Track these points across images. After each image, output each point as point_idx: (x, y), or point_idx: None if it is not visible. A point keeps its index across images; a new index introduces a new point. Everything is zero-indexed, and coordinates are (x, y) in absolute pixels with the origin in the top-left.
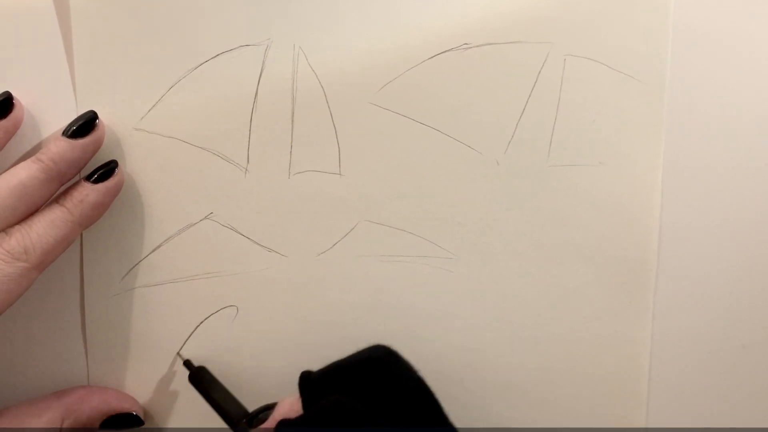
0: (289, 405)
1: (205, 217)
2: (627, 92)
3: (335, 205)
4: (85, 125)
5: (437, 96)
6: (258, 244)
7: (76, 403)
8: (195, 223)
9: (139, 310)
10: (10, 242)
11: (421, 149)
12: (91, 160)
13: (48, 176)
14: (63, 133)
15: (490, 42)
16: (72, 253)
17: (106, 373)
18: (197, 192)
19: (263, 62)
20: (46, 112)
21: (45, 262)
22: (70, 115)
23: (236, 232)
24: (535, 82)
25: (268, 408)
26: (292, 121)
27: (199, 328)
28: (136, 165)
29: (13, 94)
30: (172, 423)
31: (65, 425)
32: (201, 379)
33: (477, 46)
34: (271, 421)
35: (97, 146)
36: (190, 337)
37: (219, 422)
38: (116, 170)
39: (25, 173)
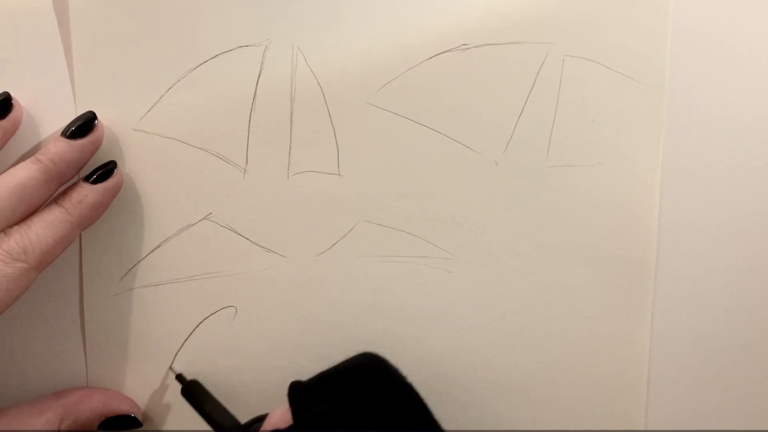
0: (280, 415)
1: (204, 218)
2: (626, 92)
3: (334, 206)
4: (84, 126)
5: (436, 96)
6: (257, 244)
7: (75, 403)
8: (194, 224)
9: (138, 311)
10: (9, 243)
11: (420, 149)
12: (90, 161)
13: (47, 177)
14: (62, 134)
15: (489, 42)
16: (71, 253)
17: (105, 373)
18: (196, 192)
19: (262, 63)
20: (45, 113)
21: (44, 262)
22: (69, 115)
23: (235, 232)
24: (534, 83)
25: (260, 419)
26: (291, 121)
27: (198, 328)
28: (135, 165)
29: (12, 94)
30: (171, 423)
31: (63, 426)
32: (193, 392)
33: (476, 47)
34: None
35: (96, 147)
36: (188, 338)
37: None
38: (115, 171)
39: (24, 173)
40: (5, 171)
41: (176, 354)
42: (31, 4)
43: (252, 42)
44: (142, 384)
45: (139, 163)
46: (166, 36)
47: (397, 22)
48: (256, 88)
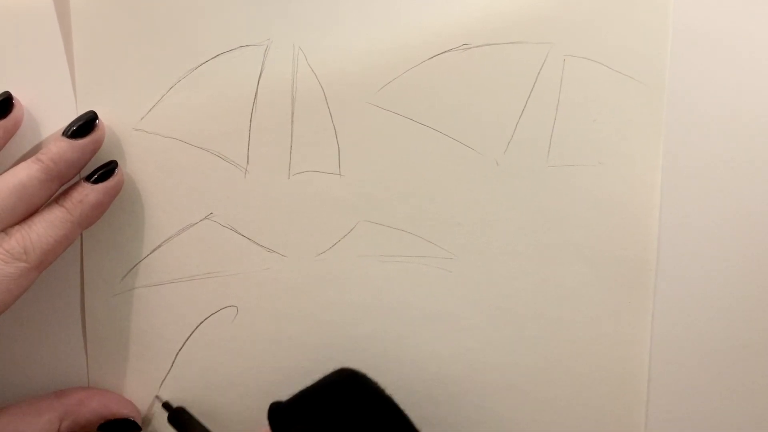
0: None
1: (205, 218)
2: (627, 92)
3: (335, 205)
4: (85, 125)
5: (437, 96)
6: (258, 244)
7: (75, 405)
8: (195, 224)
9: (139, 310)
10: (9, 242)
11: (420, 149)
12: (91, 161)
13: (48, 176)
14: (63, 134)
15: (489, 42)
16: (72, 253)
17: (106, 373)
18: (197, 192)
19: (263, 62)
20: (46, 113)
21: (45, 262)
22: (70, 115)
23: (236, 232)
24: (535, 83)
25: None
26: (292, 121)
27: (198, 328)
28: (135, 165)
29: (13, 94)
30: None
31: (63, 427)
32: (180, 420)
33: (477, 47)
34: None
35: (97, 146)
36: (189, 337)
37: (214, 425)
38: (116, 170)
39: (24, 173)
40: (6, 171)
41: (176, 354)
42: (32, 4)
43: (253, 42)
44: (143, 383)
45: (140, 163)
46: (166, 36)
47: (397, 22)
48: (257, 88)
